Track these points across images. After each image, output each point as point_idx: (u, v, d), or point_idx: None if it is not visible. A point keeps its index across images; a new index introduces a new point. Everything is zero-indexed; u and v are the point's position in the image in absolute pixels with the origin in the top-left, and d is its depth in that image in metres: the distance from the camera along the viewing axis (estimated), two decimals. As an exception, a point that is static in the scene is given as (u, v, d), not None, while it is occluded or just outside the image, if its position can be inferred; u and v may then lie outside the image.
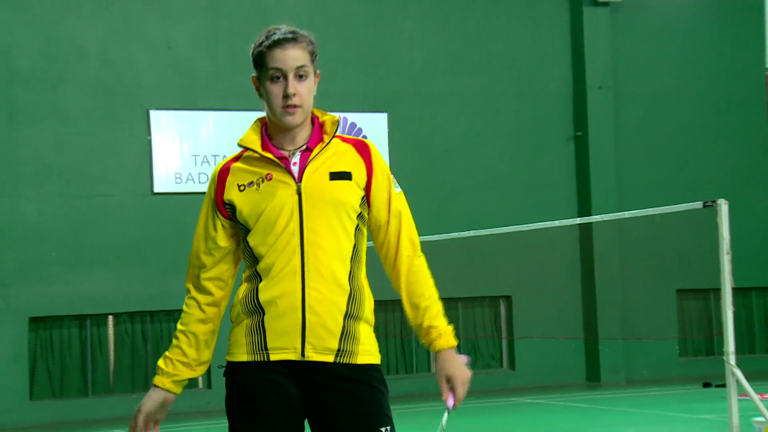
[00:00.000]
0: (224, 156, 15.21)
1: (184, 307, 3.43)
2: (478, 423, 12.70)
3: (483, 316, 17.06)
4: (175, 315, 15.15)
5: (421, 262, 3.43)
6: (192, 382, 15.22)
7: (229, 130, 15.36)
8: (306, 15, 15.70)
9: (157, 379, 3.43)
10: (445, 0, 16.87)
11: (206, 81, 15.46)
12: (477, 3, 17.05)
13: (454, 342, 3.42)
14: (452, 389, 3.34)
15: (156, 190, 15.15)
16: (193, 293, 3.40)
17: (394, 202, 3.39)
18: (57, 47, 14.80)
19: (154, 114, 15.20)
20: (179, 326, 3.43)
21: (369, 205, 3.37)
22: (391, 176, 3.42)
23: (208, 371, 15.08)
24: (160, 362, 3.42)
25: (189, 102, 15.40)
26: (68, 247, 14.64)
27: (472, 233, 13.68)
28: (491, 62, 17.04)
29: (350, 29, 16.26)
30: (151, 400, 3.43)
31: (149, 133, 15.17)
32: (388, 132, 16.38)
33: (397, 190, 3.41)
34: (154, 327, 15.18)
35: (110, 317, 15.05)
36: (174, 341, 3.42)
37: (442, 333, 3.40)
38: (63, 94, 14.81)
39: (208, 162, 15.34)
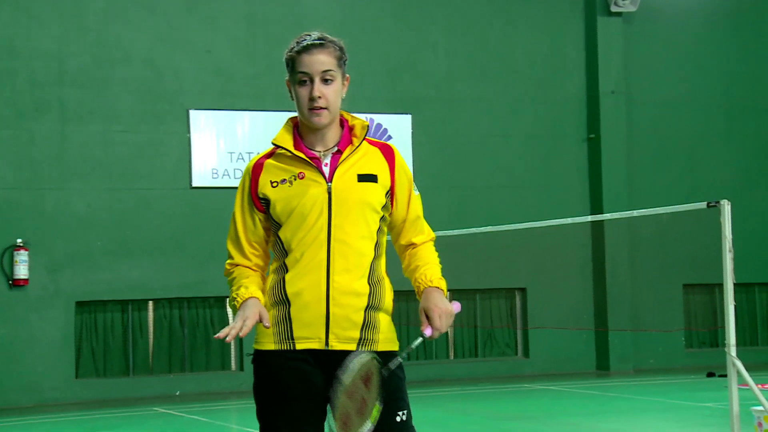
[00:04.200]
0: (258, 153, 15.25)
1: (232, 273, 3.40)
2: (493, 407, 12.68)
3: (499, 307, 17.02)
4: (210, 301, 15.22)
5: (430, 245, 3.47)
6: (225, 365, 15.29)
7: (263, 129, 15.40)
8: (337, 23, 15.69)
9: (242, 295, 3.27)
10: (468, 10, 16.83)
11: (243, 83, 15.51)
12: (498, 13, 17.00)
13: (439, 284, 3.32)
14: (430, 321, 3.23)
15: (194, 184, 15.21)
16: (241, 264, 3.40)
17: (413, 204, 3.43)
18: (105, 51, 14.89)
19: (193, 113, 15.26)
20: (235, 279, 3.37)
21: (392, 204, 3.39)
22: (412, 180, 3.45)
23: (240, 355, 15.16)
24: (241, 290, 3.29)
25: (226, 102, 15.45)
26: (113, 237, 14.73)
27: (490, 229, 13.64)
28: (510, 69, 16.99)
29: (379, 37, 16.26)
30: (249, 307, 3.24)
31: (189, 132, 15.24)
32: (412, 133, 16.36)
33: (416, 193, 3.45)
34: (191, 312, 15.25)
35: (150, 303, 15.13)
36: (235, 282, 3.36)
37: (426, 275, 3.34)
38: (110, 95, 14.90)
39: (243, 159, 15.38)
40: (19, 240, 14.18)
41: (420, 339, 3.22)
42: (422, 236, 3.45)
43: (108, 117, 14.85)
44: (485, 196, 16.68)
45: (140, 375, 14.93)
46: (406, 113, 16.36)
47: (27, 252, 14.15)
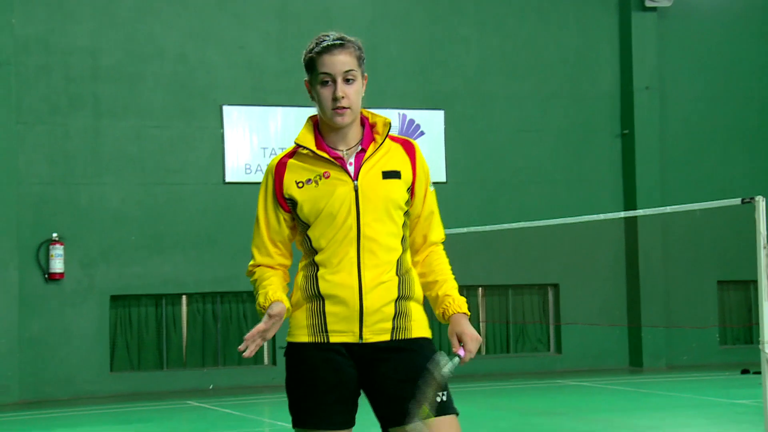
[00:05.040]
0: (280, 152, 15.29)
1: (254, 275, 3.46)
2: (525, 403, 12.67)
3: (532, 303, 16.99)
4: (243, 296, 15.32)
5: (441, 249, 3.52)
6: (258, 359, 15.39)
7: (295, 125, 15.46)
8: (368, 18, 15.73)
9: (266, 299, 3.33)
10: (500, 5, 16.79)
11: (275, 78, 15.58)
12: (530, 8, 16.94)
13: (466, 309, 3.42)
14: (463, 345, 3.33)
15: (227, 179, 15.31)
16: (263, 264, 3.46)
17: (428, 200, 3.47)
18: (138, 47, 15.02)
19: (226, 109, 15.36)
20: (257, 282, 3.43)
21: (411, 199, 3.44)
22: (429, 176, 3.50)
23: (273, 350, 15.25)
24: (261, 299, 3.36)
25: (259, 98, 15.53)
26: (146, 232, 14.86)
27: (523, 224, 13.62)
28: (543, 64, 16.93)
29: (410, 32, 16.26)
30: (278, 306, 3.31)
31: (222, 127, 15.34)
32: (445, 128, 16.36)
33: (431, 189, 3.50)
34: (224, 307, 15.36)
35: (184, 297, 15.27)
36: (256, 287, 3.43)
37: (455, 300, 3.42)
38: (143, 91, 15.03)
39: (275, 154, 15.41)
40: (54, 234, 14.36)
41: (457, 359, 3.34)
42: (436, 234, 3.49)
43: (141, 112, 14.98)
44: (517, 191, 16.65)
45: (174, 369, 15.07)
46: (439, 109, 16.36)
47: (62, 246, 14.33)
